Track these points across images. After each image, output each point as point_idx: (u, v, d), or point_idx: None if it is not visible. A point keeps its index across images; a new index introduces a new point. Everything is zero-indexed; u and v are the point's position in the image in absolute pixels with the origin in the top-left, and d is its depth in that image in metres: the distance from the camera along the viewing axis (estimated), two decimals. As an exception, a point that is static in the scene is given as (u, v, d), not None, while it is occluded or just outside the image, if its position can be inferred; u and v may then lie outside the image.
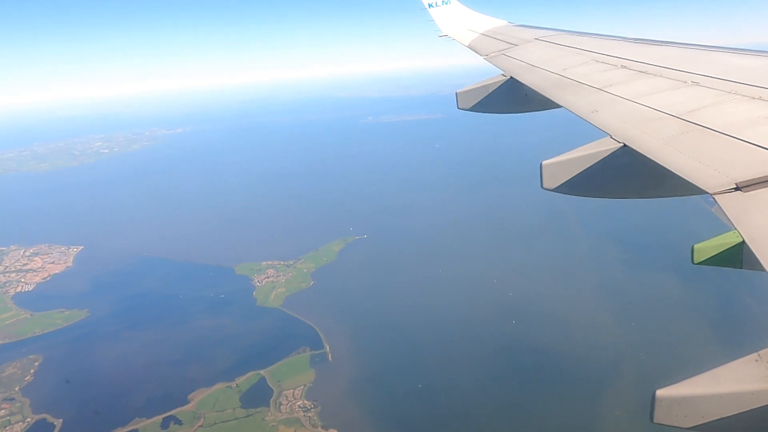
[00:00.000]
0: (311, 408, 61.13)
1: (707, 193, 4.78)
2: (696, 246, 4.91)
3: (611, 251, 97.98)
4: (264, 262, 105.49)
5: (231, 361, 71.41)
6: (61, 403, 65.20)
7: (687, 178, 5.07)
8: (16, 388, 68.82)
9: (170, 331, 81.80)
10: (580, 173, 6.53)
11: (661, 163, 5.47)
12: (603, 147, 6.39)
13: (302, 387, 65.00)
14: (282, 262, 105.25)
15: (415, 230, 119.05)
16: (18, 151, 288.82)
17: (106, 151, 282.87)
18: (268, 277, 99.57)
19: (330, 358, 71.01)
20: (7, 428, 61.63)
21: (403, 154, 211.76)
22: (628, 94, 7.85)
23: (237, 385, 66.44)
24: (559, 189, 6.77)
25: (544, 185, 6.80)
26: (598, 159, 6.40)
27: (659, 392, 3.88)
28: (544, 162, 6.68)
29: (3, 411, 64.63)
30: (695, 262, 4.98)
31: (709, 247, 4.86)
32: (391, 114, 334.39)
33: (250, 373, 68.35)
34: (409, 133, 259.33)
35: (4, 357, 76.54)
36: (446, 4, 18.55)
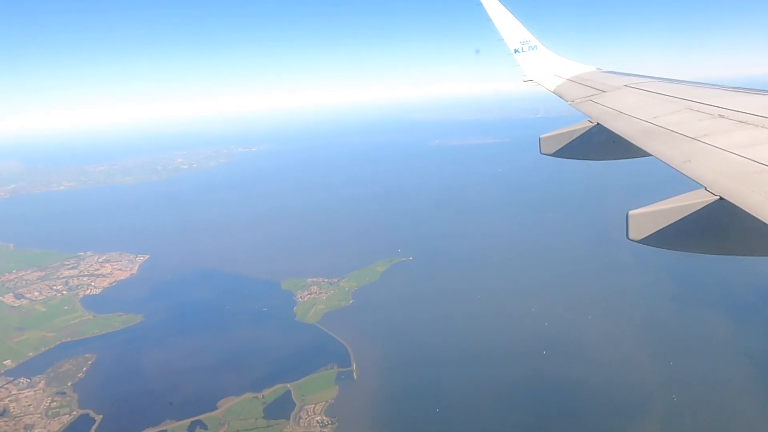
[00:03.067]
0: (328, 424, 62.44)
1: None
2: None
3: (663, 286, 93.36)
4: (309, 279, 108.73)
5: (261, 373, 74.20)
6: (105, 400, 70.32)
7: None
8: (69, 384, 74.93)
9: (212, 339, 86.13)
10: (669, 225, 6.09)
11: (763, 220, 5.04)
12: (696, 199, 5.93)
13: (323, 403, 66.52)
14: (326, 280, 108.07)
15: (461, 255, 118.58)
16: (108, 165, 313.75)
17: (186, 167, 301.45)
18: (310, 294, 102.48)
19: (355, 377, 72.21)
20: (56, 419, 67.36)
21: (463, 178, 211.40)
22: (725, 144, 7.30)
23: (263, 396, 68.98)
24: (645, 241, 6.32)
25: (630, 236, 6.33)
26: (691, 212, 5.94)
27: None
28: (630, 212, 6.25)
29: (55, 403, 70.72)
30: None
31: None
32: (459, 137, 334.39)
33: (277, 386, 70.76)
34: (474, 157, 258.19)
35: (64, 354, 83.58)
36: (533, 49, 18.15)
